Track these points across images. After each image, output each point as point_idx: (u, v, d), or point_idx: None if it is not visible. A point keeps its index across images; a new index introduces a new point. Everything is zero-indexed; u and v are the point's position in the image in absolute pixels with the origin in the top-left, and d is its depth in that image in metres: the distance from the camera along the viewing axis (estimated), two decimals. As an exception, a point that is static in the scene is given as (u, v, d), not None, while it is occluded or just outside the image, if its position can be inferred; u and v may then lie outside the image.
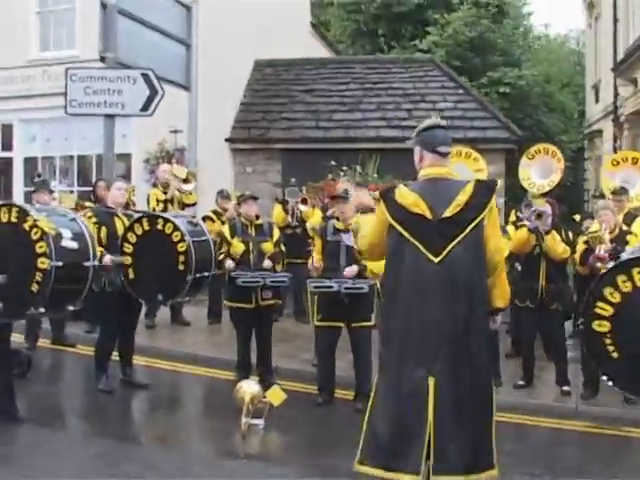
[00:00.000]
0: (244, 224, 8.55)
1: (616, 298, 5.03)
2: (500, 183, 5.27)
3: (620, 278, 5.02)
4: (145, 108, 11.86)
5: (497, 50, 23.72)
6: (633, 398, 7.67)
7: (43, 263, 5.89)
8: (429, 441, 4.54)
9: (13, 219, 6.04)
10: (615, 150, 18.41)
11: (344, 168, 13.93)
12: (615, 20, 17.98)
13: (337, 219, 8.04)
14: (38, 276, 5.92)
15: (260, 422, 7.09)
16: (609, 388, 7.98)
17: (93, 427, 7.18)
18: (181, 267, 7.61)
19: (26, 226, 6.00)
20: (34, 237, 5.97)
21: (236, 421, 6.93)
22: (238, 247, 8.40)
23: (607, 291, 5.05)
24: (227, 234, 8.54)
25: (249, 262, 8.40)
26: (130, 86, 11.76)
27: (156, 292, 7.81)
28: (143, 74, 11.77)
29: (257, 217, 8.66)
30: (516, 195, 13.79)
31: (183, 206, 11.04)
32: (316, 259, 7.87)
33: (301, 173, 13.41)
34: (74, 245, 6.19)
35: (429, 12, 24.32)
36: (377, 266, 7.91)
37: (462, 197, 4.74)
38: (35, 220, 5.98)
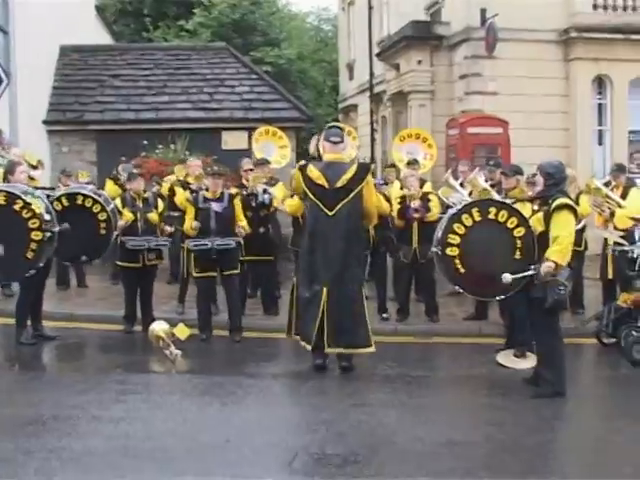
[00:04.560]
0: (133, 197, 10.21)
1: (462, 230, 7.44)
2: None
3: (464, 216, 7.44)
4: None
5: (258, 31, 26.17)
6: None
7: (37, 235, 7.42)
8: (322, 325, 7.76)
9: (2, 202, 7.44)
10: (372, 123, 21.63)
11: (159, 146, 15.67)
12: (370, 7, 20.96)
13: (206, 190, 9.93)
14: (33, 245, 7.44)
15: (178, 351, 8.52)
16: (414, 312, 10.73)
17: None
18: (103, 232, 9.19)
19: (16, 207, 7.47)
20: (25, 215, 7.46)
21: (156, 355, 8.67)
22: (128, 216, 10.00)
23: (455, 226, 7.46)
24: (119, 205, 10.11)
25: (137, 229, 10.04)
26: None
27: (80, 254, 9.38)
28: (-13, 62, 12.62)
29: (144, 191, 10.38)
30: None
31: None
32: (194, 223, 9.61)
33: (115, 152, 14.88)
34: (48, 217, 7.74)
35: (193, -6, 26.24)
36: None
37: (348, 174, 7.90)
38: (26, 203, 7.47)
